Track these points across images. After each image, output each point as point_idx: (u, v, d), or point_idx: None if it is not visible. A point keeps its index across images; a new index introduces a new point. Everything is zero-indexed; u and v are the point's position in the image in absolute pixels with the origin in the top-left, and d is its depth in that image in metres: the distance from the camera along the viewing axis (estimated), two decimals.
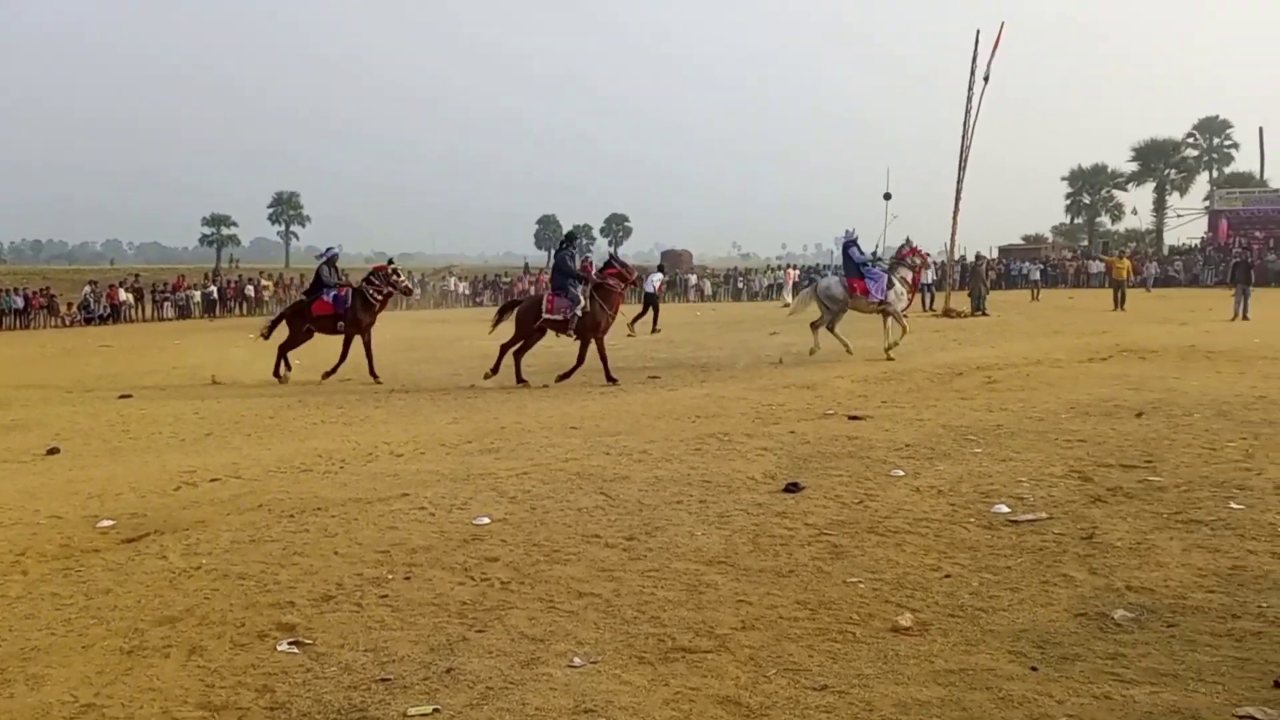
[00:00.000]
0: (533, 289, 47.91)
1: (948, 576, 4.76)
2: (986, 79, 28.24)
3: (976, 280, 29.43)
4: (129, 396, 13.27)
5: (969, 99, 28.75)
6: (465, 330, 26.53)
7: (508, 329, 14.38)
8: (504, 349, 14.17)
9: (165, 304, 39.13)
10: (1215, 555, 4.94)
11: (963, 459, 7.42)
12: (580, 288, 13.83)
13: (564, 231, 15.47)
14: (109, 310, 37.20)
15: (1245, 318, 22.10)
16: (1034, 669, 3.68)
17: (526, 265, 59.00)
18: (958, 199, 29.79)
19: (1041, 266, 44.87)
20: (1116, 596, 4.42)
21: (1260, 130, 64.87)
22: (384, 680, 3.78)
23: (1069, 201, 68.54)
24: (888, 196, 55.73)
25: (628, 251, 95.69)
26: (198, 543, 5.79)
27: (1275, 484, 6.30)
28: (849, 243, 16.52)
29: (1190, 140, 66.13)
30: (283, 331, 15.61)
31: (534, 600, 4.64)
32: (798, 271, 47.01)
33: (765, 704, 3.47)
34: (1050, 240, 66.17)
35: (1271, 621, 4.04)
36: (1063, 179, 68.59)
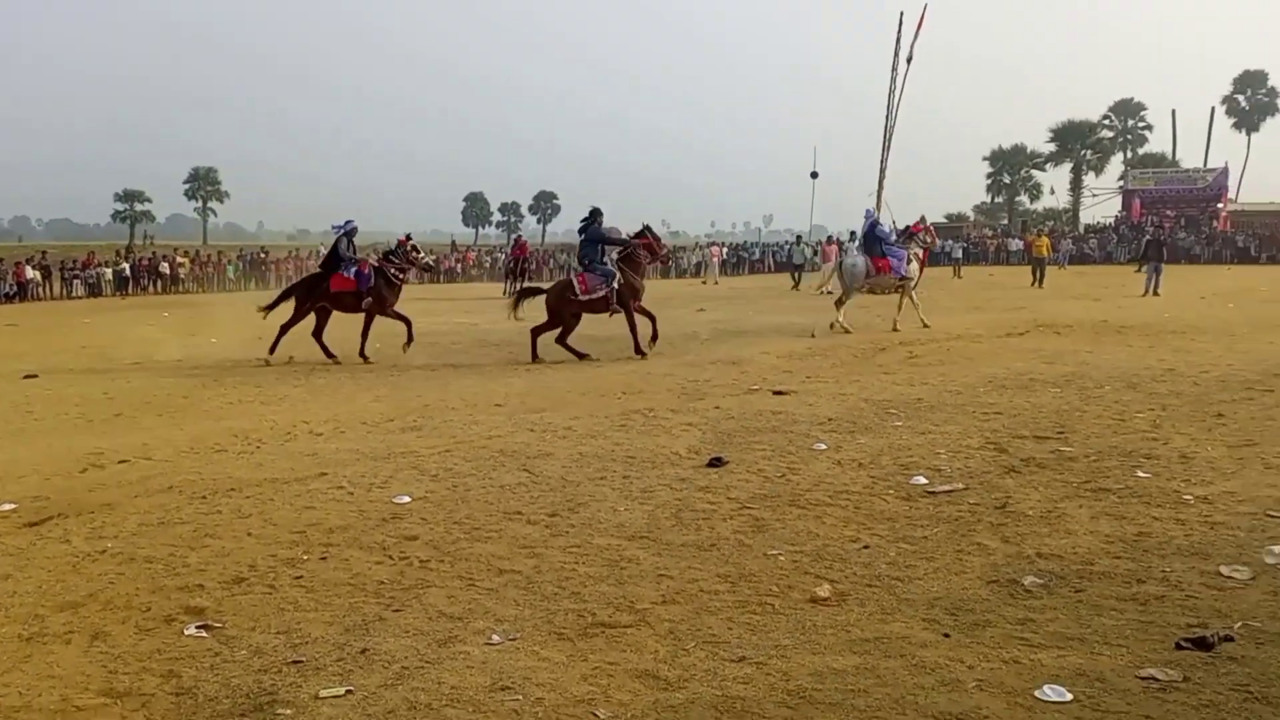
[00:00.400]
0: (459, 266, 47.41)
1: (866, 547, 4.83)
2: (910, 60, 28.66)
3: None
4: (34, 376, 12.78)
5: (893, 80, 29.14)
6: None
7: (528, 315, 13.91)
8: (535, 333, 13.54)
9: (75, 282, 37.78)
10: (1122, 522, 5.08)
11: (883, 432, 7.53)
12: (610, 260, 13.44)
13: (578, 209, 14.60)
14: (15, 288, 35.81)
15: (1156, 294, 22.80)
16: (947, 636, 3.74)
17: (454, 242, 58.24)
18: (882, 178, 30.29)
19: (964, 245, 45.70)
20: (1027, 564, 4.52)
21: (1173, 113, 67.29)
22: (296, 662, 3.70)
23: (990, 181, 69.92)
24: (815, 175, 56.19)
25: (556, 230, 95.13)
26: (103, 526, 5.61)
27: (1180, 453, 6.51)
28: (873, 223, 16.90)
29: (1106, 122, 67.93)
30: (285, 310, 14.12)
31: (453, 578, 4.58)
32: (725, 249, 47.24)
33: (684, 676, 3.48)
34: (972, 219, 67.49)
35: (1174, 585, 4.17)
36: (984, 159, 69.96)
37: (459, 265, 47.82)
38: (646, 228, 14.33)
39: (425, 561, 4.82)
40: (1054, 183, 67.72)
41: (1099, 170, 66.70)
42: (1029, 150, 68.45)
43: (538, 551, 4.93)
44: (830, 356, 12.53)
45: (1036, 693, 3.24)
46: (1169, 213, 50.04)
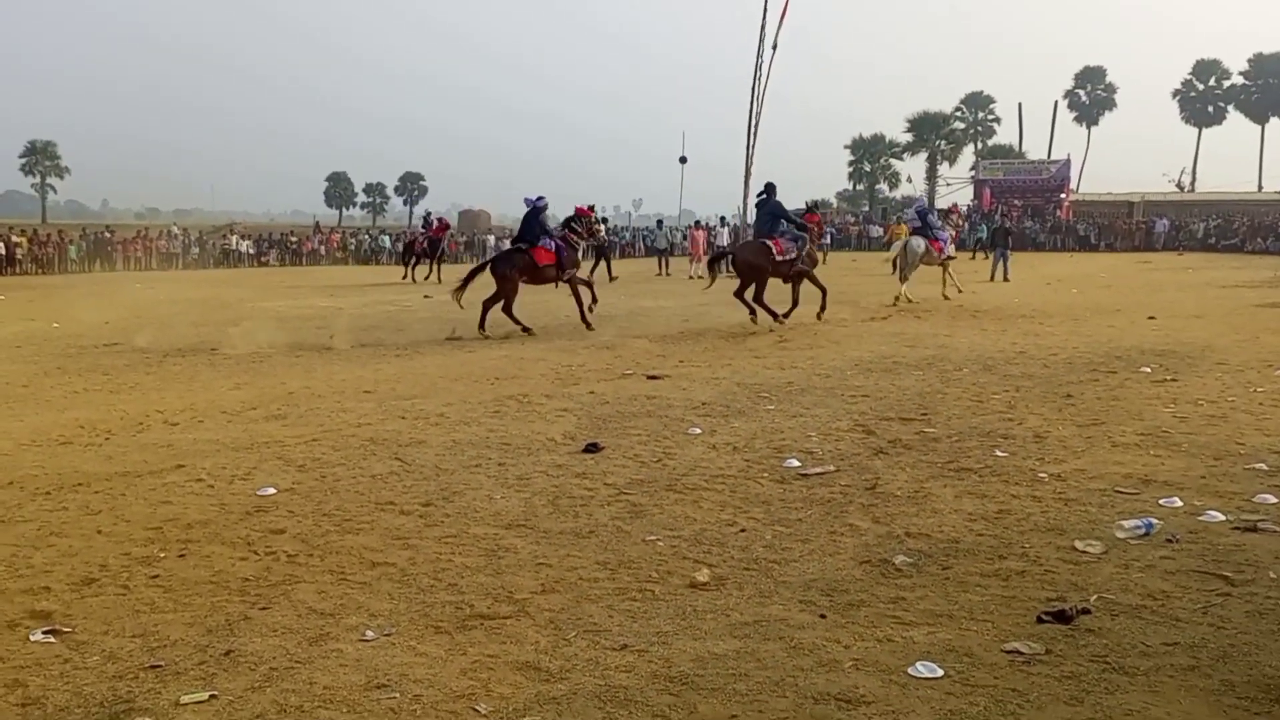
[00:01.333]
0: (323, 248, 45.96)
1: (743, 531, 4.87)
2: (775, 47, 29.14)
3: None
4: None
5: (758, 67, 29.60)
6: (253, 292, 25.19)
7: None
8: (756, 301, 13.97)
9: None
10: (983, 500, 5.29)
11: (756, 416, 7.63)
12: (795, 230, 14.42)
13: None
14: None
15: (1005, 279, 23.86)
16: (823, 616, 3.81)
17: (317, 224, 56.36)
18: (749, 164, 30.71)
19: (831, 230, 46.85)
20: (897, 543, 4.65)
21: (1019, 106, 70.56)
22: (154, 667, 3.49)
23: (851, 169, 71.95)
24: (683, 160, 56.58)
25: (423, 212, 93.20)
26: None
27: (1034, 433, 6.82)
28: (923, 210, 19.42)
29: (958, 114, 70.82)
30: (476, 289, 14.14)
31: (324, 573, 4.41)
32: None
33: (565, 667, 3.43)
34: (835, 205, 69.36)
35: (1034, 560, 4.35)
36: (845, 147, 71.94)
37: (323, 247, 46.36)
38: (813, 205, 15.46)
39: (293, 556, 4.63)
40: (911, 171, 70.26)
41: (953, 160, 69.54)
42: (888, 140, 70.71)
43: (412, 542, 4.79)
44: (702, 341, 12.66)
45: (909, 670, 3.32)
46: (1016, 201, 52.46)
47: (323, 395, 8.99)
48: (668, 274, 29.33)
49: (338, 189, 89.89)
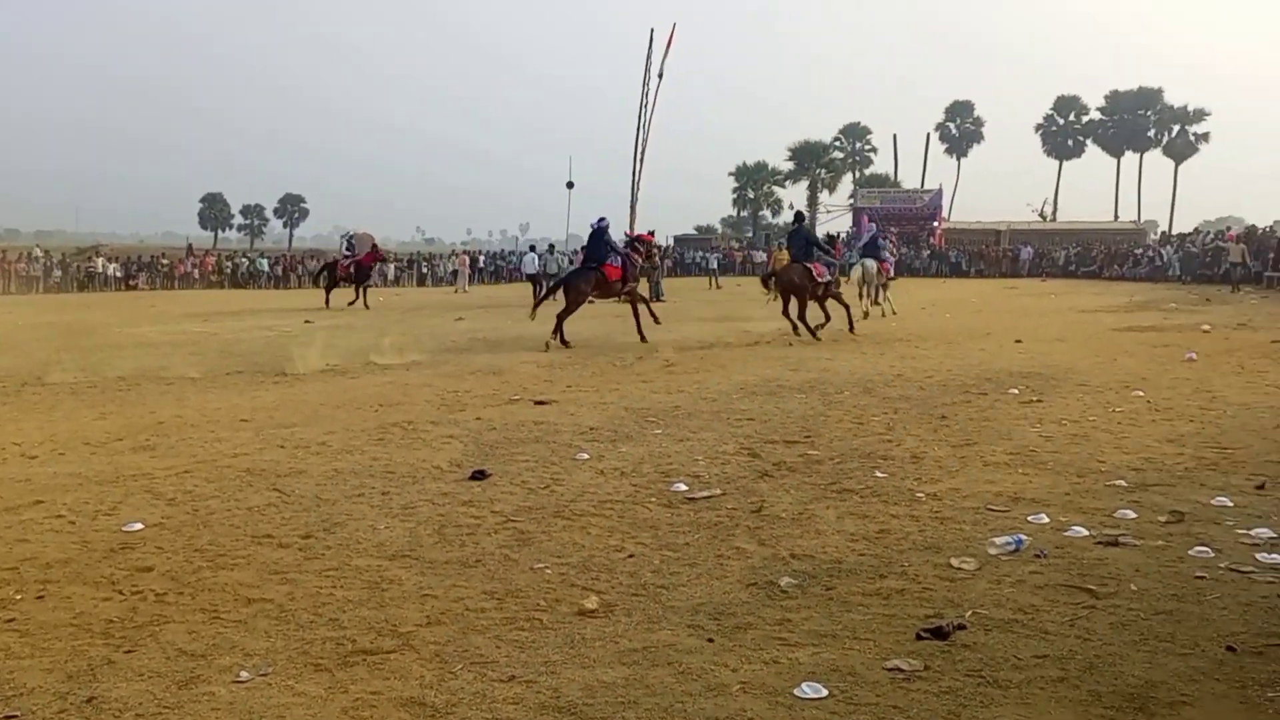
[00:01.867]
0: (196, 271, 44.39)
1: (631, 556, 4.87)
2: (661, 76, 29.58)
3: (360, 275, 30.66)
4: None
5: (644, 94, 29.97)
6: (120, 317, 24.14)
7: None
8: (797, 319, 15.56)
9: None
10: (864, 521, 5.41)
11: (644, 440, 7.66)
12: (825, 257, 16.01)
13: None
14: None
15: (876, 303, 24.59)
16: (711, 640, 3.83)
17: (190, 246, 54.39)
18: (635, 189, 30.97)
19: (720, 256, 47.55)
20: (782, 565, 4.71)
21: (894, 137, 73.35)
22: (9, 717, 3.27)
23: (735, 195, 73.47)
24: (570, 185, 56.84)
25: (304, 235, 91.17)
26: None
27: (912, 453, 7.03)
28: (878, 234, 22.27)
29: (837, 143, 73.16)
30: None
31: (195, 611, 4.22)
32: (469, 257, 46.80)
33: (451, 701, 3.35)
34: (720, 231, 70.59)
35: (912, 579, 4.47)
36: (730, 174, 73.42)
37: (196, 270, 44.77)
38: (834, 237, 18.47)
39: (161, 595, 4.42)
40: (793, 199, 72.15)
41: (832, 188, 71.72)
42: (770, 168, 72.53)
43: (290, 577, 4.63)
44: (589, 365, 12.66)
45: (795, 691, 3.36)
46: (893, 229, 54.29)
47: (195, 424, 8.65)
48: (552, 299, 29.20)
49: (213, 210, 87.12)
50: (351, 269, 27.67)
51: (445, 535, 5.26)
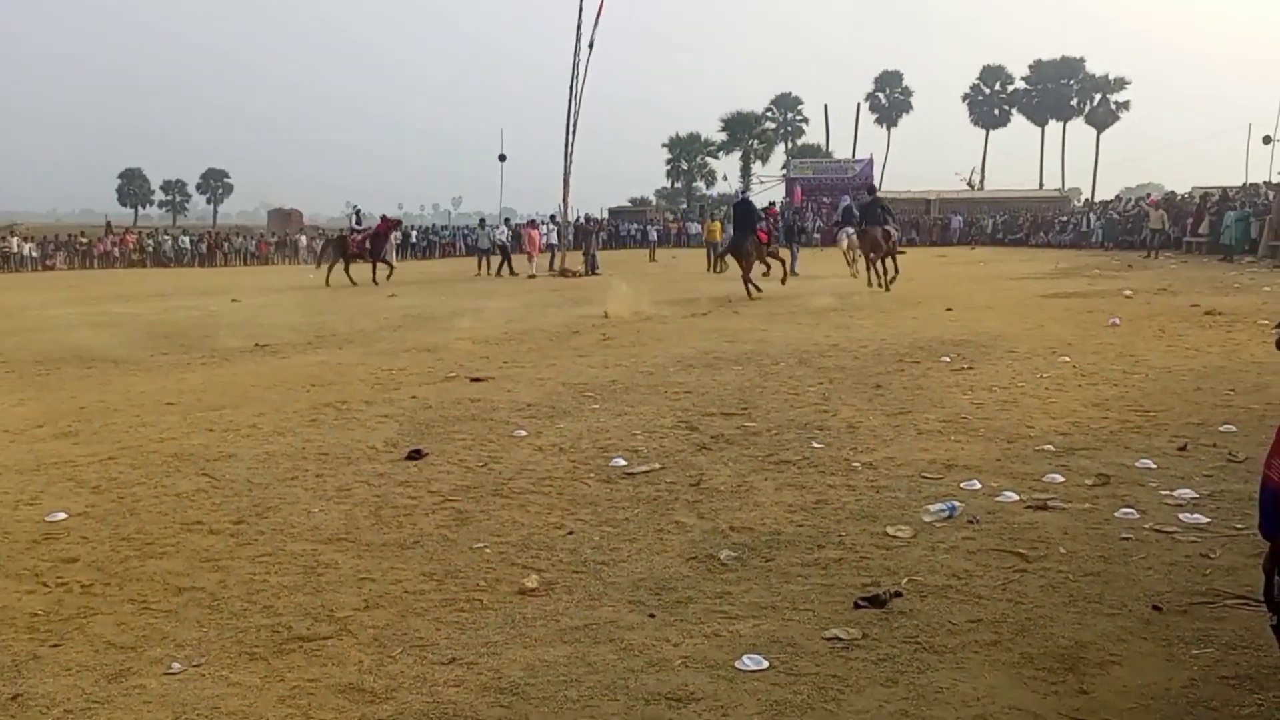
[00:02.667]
0: (117, 250, 43.12)
1: (571, 533, 4.86)
2: (591, 46, 29.27)
3: (589, 241, 30.60)
4: None
5: (575, 65, 29.66)
6: (37, 298, 23.39)
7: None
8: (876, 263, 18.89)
9: None
10: (802, 491, 5.46)
11: (582, 415, 7.64)
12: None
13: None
14: None
15: (794, 273, 24.87)
16: (652, 616, 3.84)
17: (109, 224, 52.73)
18: (568, 161, 30.71)
19: (658, 228, 47.44)
20: (722, 538, 4.74)
21: (825, 107, 73.66)
22: None
23: (669, 167, 73.32)
24: (503, 158, 56.12)
25: (229, 211, 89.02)
26: None
27: (848, 423, 7.11)
28: (848, 207, 25.47)
29: (769, 114, 73.41)
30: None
31: (123, 602, 4.11)
32: (398, 233, 45.99)
33: (391, 686, 3.32)
34: (655, 203, 70.47)
35: (850, 548, 4.52)
36: (663, 145, 73.25)
37: (117, 249, 43.46)
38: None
39: (88, 586, 4.30)
40: (727, 170, 72.27)
41: (765, 159, 72.02)
42: (703, 139, 72.50)
43: (222, 564, 4.54)
44: (526, 341, 12.58)
45: (737, 664, 3.38)
46: (825, 199, 54.70)
47: (119, 409, 8.41)
48: (489, 274, 28.94)
49: (132, 186, 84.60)
50: (366, 243, 26.52)
51: (382, 517, 5.20)
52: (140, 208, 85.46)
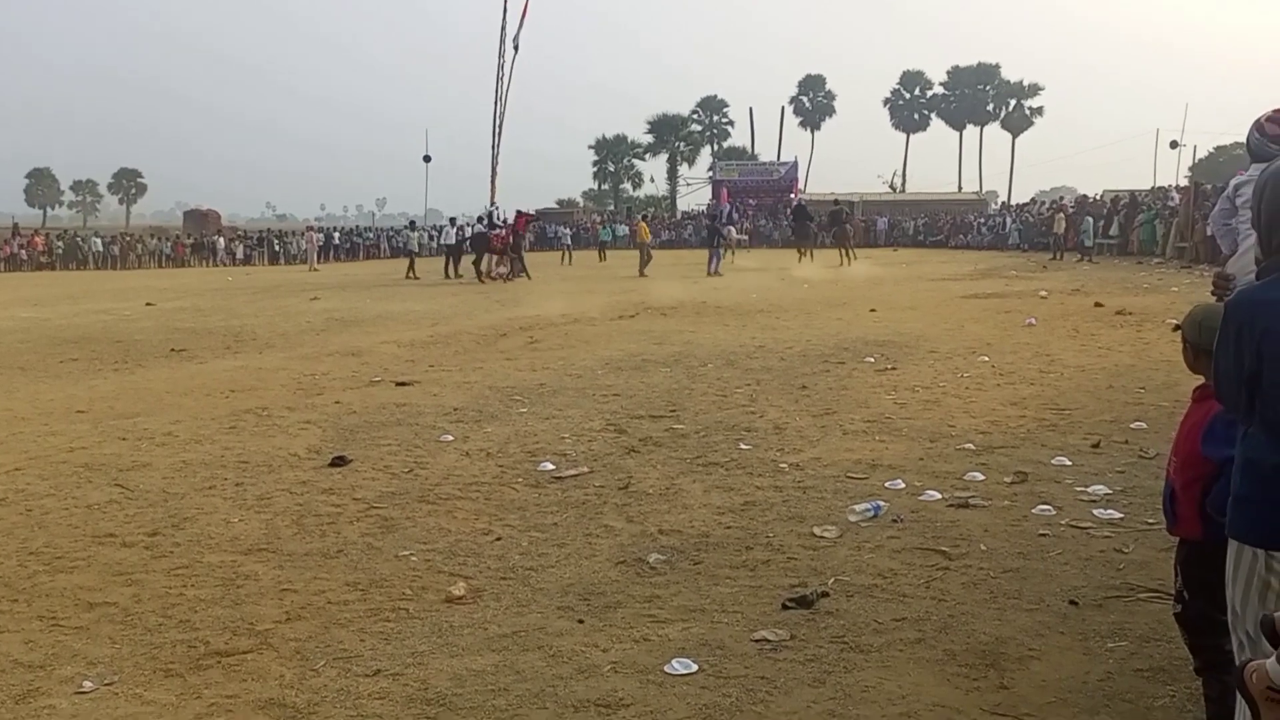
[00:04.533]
0: (24, 252, 41.59)
1: (499, 539, 4.81)
2: (516, 48, 29.15)
3: (518, 243, 30.31)
4: None
5: (500, 65, 29.50)
6: None
7: None
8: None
9: None
10: (730, 493, 5.49)
11: (510, 419, 7.58)
12: None
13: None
14: None
15: (716, 273, 25.21)
16: (581, 621, 3.82)
17: (16, 225, 50.70)
18: (494, 163, 30.52)
19: (572, 230, 47.20)
20: (651, 541, 4.74)
21: (750, 110, 74.27)
22: None
23: (596, 169, 73.17)
24: (427, 159, 55.64)
25: (143, 212, 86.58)
26: None
27: (775, 425, 7.17)
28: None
29: (695, 116, 73.78)
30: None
31: (31, 619, 3.96)
32: (321, 235, 45.18)
33: (313, 700, 3.24)
34: (581, 205, 70.31)
35: (777, 549, 4.56)
36: (589, 147, 73.05)
37: (24, 251, 41.92)
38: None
39: None
40: (653, 172, 72.49)
41: (691, 161, 72.35)
42: (630, 140, 72.51)
43: (136, 578, 4.39)
44: (452, 344, 12.45)
45: (666, 668, 3.38)
46: (751, 201, 55.19)
47: (26, 418, 8.10)
48: (415, 276, 28.40)
49: (40, 186, 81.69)
50: (510, 238, 26.36)
51: (304, 526, 5.08)
52: (49, 208, 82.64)
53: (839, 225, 31.37)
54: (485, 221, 29.21)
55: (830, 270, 26.80)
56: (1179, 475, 2.70)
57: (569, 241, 42.09)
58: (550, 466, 6.11)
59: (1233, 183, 4.57)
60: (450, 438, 6.97)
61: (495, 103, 29.99)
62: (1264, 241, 2.24)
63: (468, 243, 27.46)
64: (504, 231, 26.91)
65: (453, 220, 32.06)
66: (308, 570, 4.45)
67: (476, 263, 25.87)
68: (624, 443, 6.73)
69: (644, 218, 36.21)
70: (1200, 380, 2.61)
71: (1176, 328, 2.78)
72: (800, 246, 31.34)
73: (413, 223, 36.83)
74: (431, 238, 39.57)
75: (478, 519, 5.15)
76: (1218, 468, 2.48)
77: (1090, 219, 30.04)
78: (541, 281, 25.03)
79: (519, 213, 28.11)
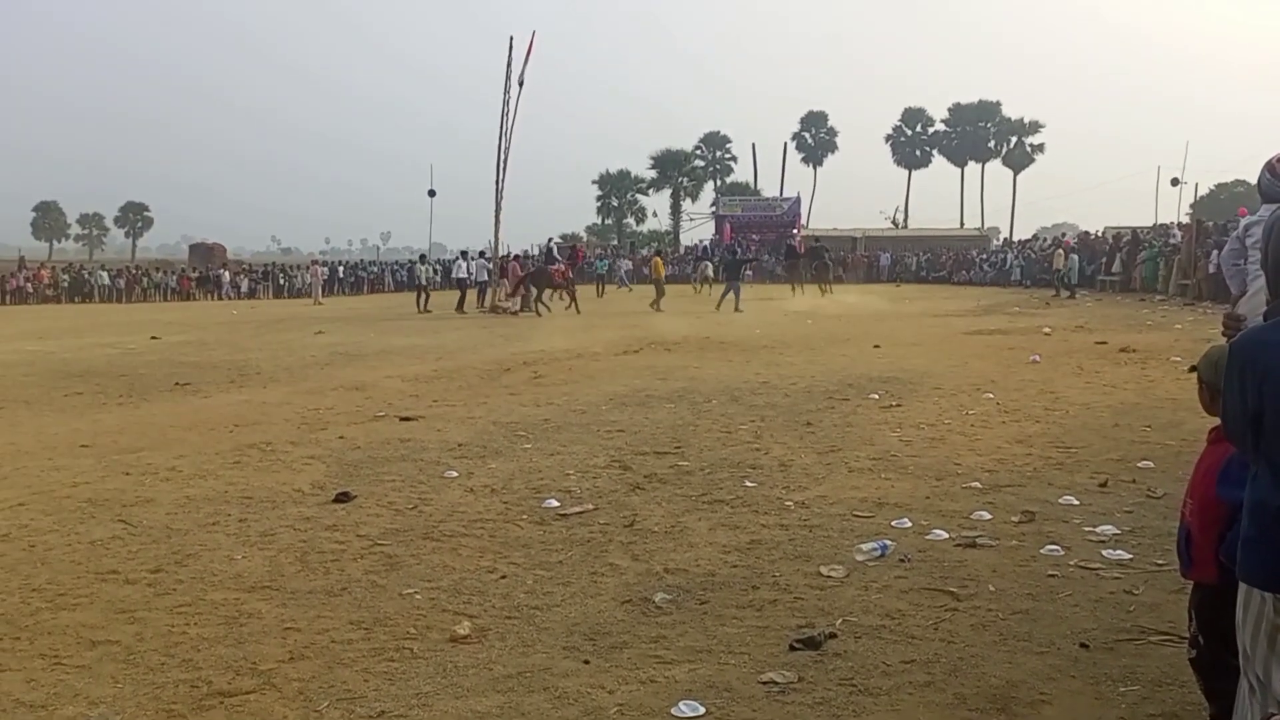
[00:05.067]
0: (30, 285, 41.80)
1: (503, 578, 4.78)
2: (521, 84, 29.37)
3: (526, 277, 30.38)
4: None
5: (505, 102, 29.71)
6: None
7: None
8: None
9: None
10: (736, 531, 5.46)
11: (514, 455, 7.57)
12: None
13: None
14: None
15: (739, 310, 25.02)
16: (587, 662, 3.78)
17: (22, 258, 51.04)
18: (499, 197, 30.64)
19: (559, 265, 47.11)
20: (657, 580, 4.71)
21: (753, 146, 74.72)
22: None
23: (599, 203, 73.56)
24: (432, 194, 55.90)
25: (149, 245, 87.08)
26: None
27: (780, 461, 7.15)
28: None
29: (698, 152, 74.32)
30: None
31: (34, 658, 3.92)
32: (325, 269, 45.32)
33: None
34: (585, 239, 70.63)
35: (784, 589, 4.52)
36: (593, 182, 73.50)
37: (29, 284, 42.12)
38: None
39: None
40: (656, 207, 72.93)
41: (694, 196, 72.77)
42: (633, 175, 72.99)
43: (139, 615, 4.36)
44: (457, 379, 12.45)
45: (673, 710, 3.34)
46: (754, 236, 55.41)
47: (31, 452, 8.08)
48: (427, 310, 28.26)
49: (47, 219, 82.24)
50: (569, 273, 26.96)
51: (308, 563, 5.06)
52: (55, 241, 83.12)
53: (820, 260, 33.94)
54: (542, 256, 29.76)
55: (827, 301, 27.35)
56: (1195, 518, 2.68)
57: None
58: (555, 503, 6.09)
59: (1243, 223, 4.59)
60: (454, 473, 6.95)
61: (500, 138, 30.14)
62: (1272, 283, 2.25)
63: (528, 277, 27.74)
64: (563, 266, 27.34)
65: (464, 253, 32.12)
66: (311, 608, 4.42)
67: (538, 299, 26.10)
68: (629, 479, 6.71)
69: (658, 253, 35.87)
70: (1216, 422, 2.59)
71: (1192, 369, 2.77)
72: (792, 281, 34.09)
73: (422, 256, 36.84)
74: (436, 271, 39.71)
75: (482, 556, 5.12)
76: (1233, 510, 2.47)
77: (1075, 257, 30.25)
78: (546, 316, 25.06)
79: (574, 245, 28.61)
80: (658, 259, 32.17)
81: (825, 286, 32.08)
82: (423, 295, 29.52)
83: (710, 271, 36.16)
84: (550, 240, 33.85)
